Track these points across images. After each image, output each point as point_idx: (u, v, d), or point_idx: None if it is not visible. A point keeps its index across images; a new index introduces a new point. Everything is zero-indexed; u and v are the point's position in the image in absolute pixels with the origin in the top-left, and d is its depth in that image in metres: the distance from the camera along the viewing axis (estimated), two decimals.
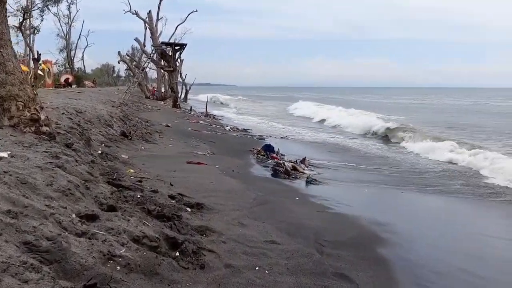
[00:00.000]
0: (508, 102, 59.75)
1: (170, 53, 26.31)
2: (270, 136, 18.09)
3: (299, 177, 9.38)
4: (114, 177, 4.99)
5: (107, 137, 8.25)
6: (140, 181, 5.39)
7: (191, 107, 28.63)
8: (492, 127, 23.84)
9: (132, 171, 5.97)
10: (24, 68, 31.68)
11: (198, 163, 8.55)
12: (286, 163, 9.96)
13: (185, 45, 26.74)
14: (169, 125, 15.21)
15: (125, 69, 43.62)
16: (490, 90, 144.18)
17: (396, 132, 19.83)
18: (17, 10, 45.01)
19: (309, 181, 8.89)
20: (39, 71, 35.77)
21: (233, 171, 8.44)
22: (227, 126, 19.97)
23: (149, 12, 28.04)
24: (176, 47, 26.61)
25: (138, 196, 4.21)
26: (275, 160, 11.51)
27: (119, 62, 38.59)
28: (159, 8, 39.49)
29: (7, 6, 5.02)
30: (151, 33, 27.69)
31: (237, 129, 19.86)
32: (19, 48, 47.86)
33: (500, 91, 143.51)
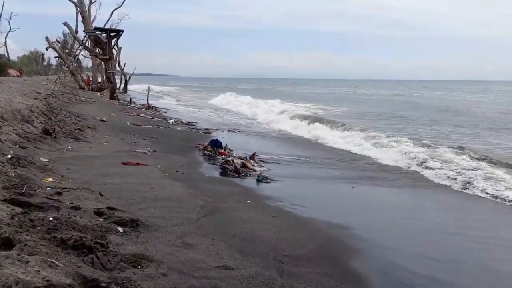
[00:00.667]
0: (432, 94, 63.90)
1: (106, 40, 24.21)
2: (217, 130, 17.28)
3: (250, 174, 8.75)
4: (23, 191, 3.93)
5: (24, 136, 6.94)
6: (60, 193, 4.37)
7: (130, 99, 26.76)
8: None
9: (50, 179, 4.89)
10: None
11: (137, 163, 7.54)
12: (235, 160, 9.24)
13: (122, 31, 24.75)
14: (104, 119, 13.76)
15: (55, 57, 39.89)
16: (416, 82, 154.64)
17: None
18: None
19: (260, 180, 8.28)
20: None
21: (177, 171, 7.55)
22: (170, 119, 18.77)
23: None
24: (112, 34, 24.54)
25: (51, 218, 3.24)
26: (224, 156, 10.80)
27: (47, 49, 35.08)
28: None
29: None
30: (83, 17, 25.23)
31: (182, 122, 18.76)
32: None
33: (427, 83, 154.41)
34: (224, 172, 8.73)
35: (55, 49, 35.10)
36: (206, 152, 11.08)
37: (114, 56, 25.41)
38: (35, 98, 12.17)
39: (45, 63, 70.45)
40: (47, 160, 6.06)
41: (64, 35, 56.36)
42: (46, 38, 34.02)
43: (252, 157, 10.48)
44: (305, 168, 10.33)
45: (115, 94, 25.44)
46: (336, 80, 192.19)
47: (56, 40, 39.79)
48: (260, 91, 61.71)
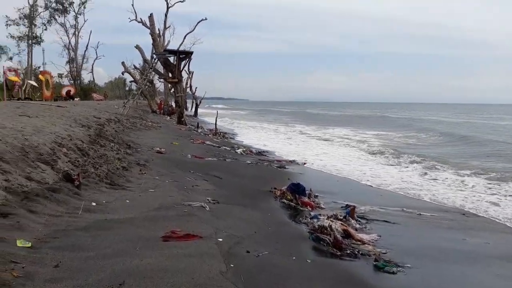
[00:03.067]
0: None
1: (175, 63, 22.82)
2: (291, 162, 14.23)
3: (359, 252, 5.46)
4: None
5: (20, 190, 4.45)
6: None
7: (197, 124, 24.94)
8: None
9: None
10: (14, 78, 28.64)
11: (186, 236, 4.66)
12: (333, 225, 6.00)
13: (191, 53, 23.21)
14: (163, 150, 11.41)
15: (130, 81, 40.38)
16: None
17: None
18: (20, 18, 42.58)
19: (381, 267, 4.96)
20: (32, 82, 32.78)
21: (247, 252, 4.54)
22: (238, 148, 16.14)
23: (151, 15, 24.70)
24: (181, 56, 23.09)
25: None
26: (310, 209, 7.70)
27: (122, 74, 35.40)
28: (166, 16, 36.47)
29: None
30: (153, 39, 24.27)
31: (251, 151, 16.03)
32: (21, 58, 45.37)
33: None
34: (317, 240, 5.65)
35: (130, 73, 35.27)
36: (285, 201, 8.06)
37: (184, 79, 23.86)
38: (83, 126, 10.16)
39: (126, 88, 74.27)
40: (28, 245, 3.40)
41: (143, 60, 58.72)
42: (122, 63, 34.29)
43: (352, 213, 7.21)
44: (428, 231, 6.88)
45: (182, 119, 23.76)
46: (410, 104, 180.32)
47: (133, 65, 40.47)
48: (329, 116, 57.86)
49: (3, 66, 31.02)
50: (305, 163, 14.12)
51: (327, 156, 17.43)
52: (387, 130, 35.05)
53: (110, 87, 74.76)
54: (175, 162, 10.09)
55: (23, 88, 29.34)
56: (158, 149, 11.43)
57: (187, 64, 23.41)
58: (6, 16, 41.32)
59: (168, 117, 31.34)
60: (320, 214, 6.84)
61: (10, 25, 41.09)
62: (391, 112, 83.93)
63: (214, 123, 25.51)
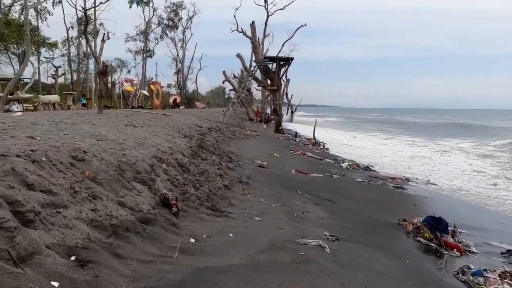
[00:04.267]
0: None
1: (274, 69, 21.96)
2: (409, 181, 11.99)
3: None
4: None
5: (111, 220, 3.55)
6: None
7: (296, 133, 23.67)
8: None
9: None
10: (129, 88, 30.95)
11: None
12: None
13: (291, 59, 22.11)
14: (264, 164, 10.28)
15: (229, 90, 41.12)
16: None
17: None
18: (137, 35, 46.78)
19: None
20: (144, 92, 35.21)
21: None
22: (343, 162, 14.35)
23: (252, 23, 24.32)
24: (281, 62, 22.14)
25: None
26: (458, 253, 5.78)
27: (223, 82, 36.11)
28: (266, 24, 36.22)
29: None
30: (254, 47, 23.82)
31: (358, 165, 14.11)
32: (137, 70, 49.76)
33: None
34: None
35: (229, 82, 35.79)
36: (422, 240, 6.18)
37: (282, 87, 22.86)
38: (185, 136, 9.54)
39: (226, 96, 77.47)
40: None
41: (242, 70, 60.18)
42: (223, 72, 34.92)
43: None
44: None
45: (280, 127, 22.74)
46: None
47: (233, 74, 41.26)
48: (438, 125, 51.71)
49: (121, 78, 34.04)
50: (428, 182, 11.76)
51: (449, 174, 14.58)
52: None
53: (211, 96, 78.73)
54: (278, 178, 8.84)
55: (137, 97, 31.63)
56: (259, 162, 10.34)
57: (286, 70, 22.36)
58: (126, 34, 45.72)
59: (265, 125, 30.77)
60: (486, 270, 4.84)
61: (129, 41, 45.36)
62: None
63: (313, 132, 23.99)
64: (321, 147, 19.90)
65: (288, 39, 36.25)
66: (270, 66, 22.35)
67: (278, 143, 17.90)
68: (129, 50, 46.90)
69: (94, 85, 40.33)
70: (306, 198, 7.47)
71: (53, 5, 37.05)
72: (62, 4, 37.77)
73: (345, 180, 10.59)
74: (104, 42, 12.58)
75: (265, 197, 6.82)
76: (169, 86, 54.40)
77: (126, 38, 45.81)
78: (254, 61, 22.93)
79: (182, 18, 49.67)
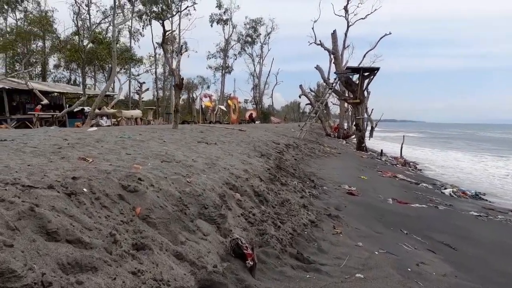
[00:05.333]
0: None
1: (357, 81, 20.07)
2: None
3: None
4: None
5: (168, 283, 2.39)
6: None
7: (381, 151, 21.28)
8: None
9: None
10: (208, 103, 31.22)
11: None
12: None
13: (377, 69, 20.01)
14: (352, 189, 8.61)
15: (306, 104, 39.72)
16: None
17: None
18: (217, 52, 48.03)
19: None
20: (222, 107, 35.40)
21: None
22: (444, 188, 11.96)
23: (334, 32, 22.72)
24: (365, 73, 20.17)
25: None
26: None
27: (300, 96, 34.87)
28: (346, 35, 34.31)
29: None
30: (334, 57, 22.19)
31: (464, 193, 11.61)
32: (216, 86, 51.08)
33: None
34: None
35: (306, 96, 34.44)
36: None
37: (365, 99, 20.80)
38: (262, 155, 8.33)
39: (300, 111, 76.28)
40: None
41: (318, 85, 58.56)
42: (300, 86, 33.72)
43: None
44: None
45: (363, 144, 20.61)
46: None
47: (309, 88, 39.89)
48: None
49: (201, 93, 34.79)
50: None
51: None
52: None
53: (286, 111, 78.10)
54: (374, 210, 7.12)
55: (215, 112, 31.84)
56: (347, 187, 8.71)
57: (370, 82, 20.28)
58: (208, 51, 47.28)
59: (344, 141, 28.66)
60: None
61: (210, 58, 46.75)
62: None
63: (400, 151, 21.38)
64: (412, 167, 17.36)
65: (370, 50, 33.86)
66: (352, 77, 20.50)
67: (363, 162, 15.91)
68: (210, 67, 48.38)
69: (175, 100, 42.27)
70: (416, 241, 5.69)
71: (143, 28, 39.63)
72: (151, 25, 40.28)
73: (456, 214, 8.42)
74: (181, 55, 12.16)
75: (362, 239, 5.23)
76: (245, 101, 54.88)
77: (208, 55, 47.28)
78: (335, 72, 21.29)
79: (260, 34, 49.99)
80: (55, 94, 22.78)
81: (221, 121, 31.10)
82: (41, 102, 16.62)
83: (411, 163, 18.65)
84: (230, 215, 4.22)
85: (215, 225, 3.82)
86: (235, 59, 49.46)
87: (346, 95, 22.41)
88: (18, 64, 31.15)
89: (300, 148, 14.91)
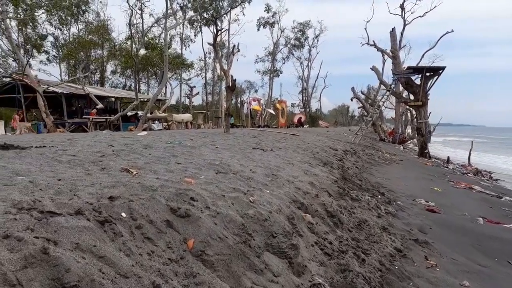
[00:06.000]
0: None
1: (420, 82, 18.30)
2: None
3: None
4: None
5: None
6: None
7: (448, 158, 19.19)
8: None
9: None
10: (257, 107, 30.56)
11: None
12: None
13: (442, 69, 18.08)
14: (431, 205, 7.29)
15: (358, 107, 37.86)
16: None
17: None
18: (265, 55, 47.51)
19: None
20: (270, 111, 34.61)
21: None
22: None
23: (392, 30, 21.02)
24: (428, 74, 18.33)
25: None
26: None
27: (351, 100, 33.19)
28: (402, 34, 32.10)
29: None
30: (393, 57, 20.47)
31: None
32: (264, 90, 50.51)
33: None
34: None
35: (359, 99, 32.70)
36: None
37: (428, 101, 18.91)
38: (324, 164, 7.32)
39: (349, 115, 73.72)
40: None
41: (368, 88, 55.92)
42: (352, 89, 32.09)
43: None
44: None
45: (426, 151, 18.72)
46: None
47: (361, 91, 37.97)
48: None
49: (250, 97, 34.33)
50: None
51: None
52: None
53: (334, 114, 75.75)
54: (466, 234, 5.82)
55: (263, 116, 31.15)
56: (424, 202, 7.41)
57: (434, 83, 18.39)
58: (256, 55, 46.97)
59: (401, 147, 26.63)
60: None
61: (258, 62, 46.36)
62: None
63: (468, 158, 19.19)
64: (487, 177, 15.33)
65: (429, 49, 31.42)
66: (413, 78, 18.75)
67: (428, 170, 14.23)
68: (258, 71, 47.95)
69: (224, 105, 42.28)
70: None
71: (195, 34, 40.12)
72: (201, 32, 40.68)
73: None
74: (234, 55, 11.51)
75: (466, 275, 4.05)
76: (292, 105, 53.73)
77: (256, 59, 46.88)
78: (393, 73, 19.64)
79: (308, 37, 48.76)
80: (111, 99, 23.34)
81: (270, 125, 30.34)
82: (96, 107, 16.87)
83: (483, 172, 16.53)
84: (302, 244, 3.29)
85: (286, 260, 2.92)
86: (283, 63, 48.66)
87: (406, 97, 20.58)
88: (78, 70, 32.74)
89: (358, 154, 13.63)
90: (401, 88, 23.36)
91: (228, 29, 39.15)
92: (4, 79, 18.46)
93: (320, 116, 55.19)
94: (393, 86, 19.86)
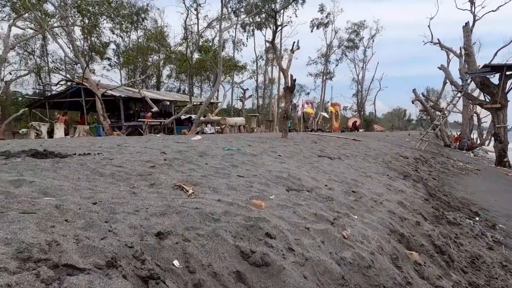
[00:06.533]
0: None
1: (498, 82, 16.12)
2: None
3: None
4: None
5: None
6: None
7: None
8: None
9: None
10: (310, 110, 29.36)
11: None
12: None
13: None
14: None
15: (420, 111, 35.23)
16: None
17: None
18: (318, 57, 46.08)
19: None
20: (324, 114, 33.19)
21: None
22: None
23: (466, 24, 18.86)
24: (509, 72, 16.08)
25: None
26: None
27: (413, 102, 30.80)
28: (471, 31, 29.18)
29: None
30: (466, 54, 18.30)
31: None
32: (316, 93, 48.99)
33: None
34: None
35: (421, 102, 30.22)
36: None
37: (507, 103, 16.63)
38: (405, 177, 6.17)
39: (405, 118, 69.50)
40: None
41: (427, 90, 52.05)
42: (414, 91, 29.73)
43: None
44: None
45: (505, 159, 16.43)
46: None
47: (422, 94, 35.31)
48: None
49: (302, 100, 33.26)
50: None
51: None
52: None
53: (388, 118, 71.85)
54: None
55: (316, 120, 29.91)
56: None
57: None
58: (309, 57, 45.78)
59: (471, 154, 24.05)
60: None
61: (310, 64, 45.10)
62: None
63: None
64: None
65: (503, 47, 28.15)
66: (490, 77, 16.58)
67: None
68: (310, 74, 46.61)
69: (275, 108, 41.44)
70: None
71: (247, 38, 39.93)
72: (254, 36, 40.39)
73: None
74: (293, 53, 10.68)
75: None
76: (344, 108, 51.59)
77: (308, 62, 45.57)
78: (466, 72, 17.54)
79: (363, 37, 46.51)
80: (166, 102, 23.59)
81: (323, 129, 29.03)
82: (151, 110, 16.91)
83: None
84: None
85: None
86: (337, 65, 46.87)
87: (482, 98, 18.33)
88: (136, 74, 33.83)
89: (429, 162, 12.09)
90: (470, 89, 21.09)
91: (281, 31, 38.48)
92: (68, 83, 19.23)
93: (374, 120, 52.49)
94: (466, 87, 17.76)
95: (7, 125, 18.74)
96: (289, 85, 9.14)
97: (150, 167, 3.40)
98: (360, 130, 35.08)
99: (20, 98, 28.62)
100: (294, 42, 9.99)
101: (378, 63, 60.35)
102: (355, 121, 35.58)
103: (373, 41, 46.69)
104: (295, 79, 9.39)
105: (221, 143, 6.70)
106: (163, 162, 3.69)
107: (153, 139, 7.34)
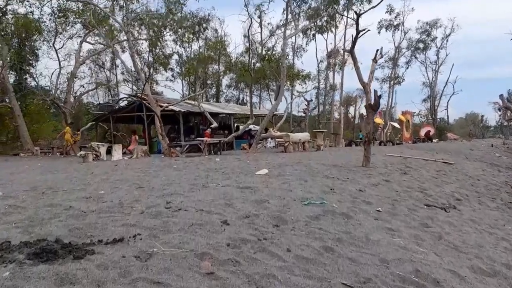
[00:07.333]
0: None
1: None
2: None
3: None
4: None
5: None
6: None
7: None
8: None
9: None
10: (378, 120, 26.83)
11: None
12: None
13: None
14: None
15: (506, 120, 30.99)
16: None
17: None
18: (385, 61, 42.91)
19: None
20: (395, 124, 30.33)
21: None
22: None
23: None
24: None
25: None
26: None
27: (499, 110, 26.97)
28: None
29: None
30: None
31: None
32: (382, 99, 45.69)
33: None
34: None
35: (509, 108, 26.38)
36: None
37: None
38: None
39: (481, 125, 62.41)
40: None
41: (509, 93, 45.90)
42: (501, 96, 25.96)
43: None
44: None
45: None
46: None
47: (507, 98, 30.97)
48: None
49: (360, 107, 30.86)
50: None
51: None
52: None
53: (461, 124, 65.14)
54: None
55: (385, 130, 27.36)
56: None
57: None
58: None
59: None
60: None
61: (376, 68, 42.14)
62: None
63: None
64: None
65: None
66: None
67: None
68: (376, 79, 43.57)
69: (338, 116, 39.05)
70: None
71: (307, 43, 38.37)
72: (315, 40, 38.70)
73: None
74: (376, 62, 9.08)
75: None
76: (417, 115, 47.38)
77: (376, 67, 42.48)
78: None
79: (436, 37, 42.37)
80: (224, 114, 22.97)
81: (393, 141, 26.38)
82: (211, 126, 16.19)
83: None
84: None
85: None
86: (406, 68, 43.22)
87: None
88: (196, 86, 33.94)
89: None
90: None
91: (344, 35, 36.38)
92: (130, 98, 19.30)
93: (447, 127, 47.61)
94: None
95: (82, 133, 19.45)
96: (372, 103, 7.49)
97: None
98: (434, 140, 31.66)
99: (93, 108, 29.88)
100: (377, 50, 8.38)
101: (453, 65, 54.96)
102: (428, 131, 32.18)
103: (447, 41, 42.48)
104: (380, 95, 7.70)
105: (294, 182, 5.35)
106: (226, 258, 2.40)
107: (212, 176, 6.17)
